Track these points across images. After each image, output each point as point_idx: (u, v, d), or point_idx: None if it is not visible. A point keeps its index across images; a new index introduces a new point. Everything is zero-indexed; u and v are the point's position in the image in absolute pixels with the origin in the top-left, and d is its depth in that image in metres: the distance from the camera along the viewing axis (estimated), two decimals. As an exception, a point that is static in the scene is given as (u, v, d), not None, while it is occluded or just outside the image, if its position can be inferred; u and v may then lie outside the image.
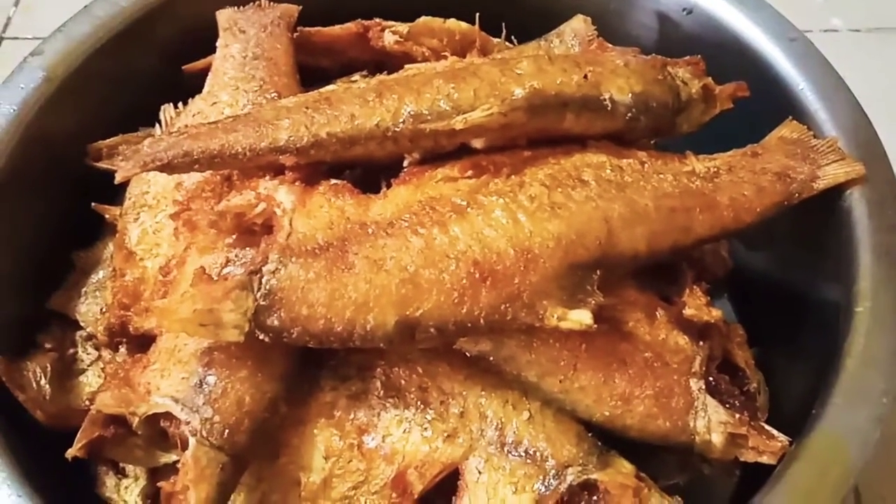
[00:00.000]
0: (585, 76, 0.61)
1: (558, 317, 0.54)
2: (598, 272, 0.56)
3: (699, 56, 0.67)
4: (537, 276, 0.54)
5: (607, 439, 0.58)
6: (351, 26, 0.79)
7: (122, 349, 0.65)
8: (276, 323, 0.53)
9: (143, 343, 0.62)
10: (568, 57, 0.64)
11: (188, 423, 0.54)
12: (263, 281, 0.53)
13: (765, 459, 0.56)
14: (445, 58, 0.76)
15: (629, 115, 0.62)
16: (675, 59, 0.67)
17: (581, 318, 0.54)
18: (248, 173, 0.61)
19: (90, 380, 0.67)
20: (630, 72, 0.63)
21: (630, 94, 0.62)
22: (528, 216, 0.56)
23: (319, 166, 0.60)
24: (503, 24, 0.81)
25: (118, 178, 0.59)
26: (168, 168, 0.59)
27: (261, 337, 0.53)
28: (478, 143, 0.60)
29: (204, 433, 0.54)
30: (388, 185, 0.60)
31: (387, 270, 0.53)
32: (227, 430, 0.54)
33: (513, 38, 0.81)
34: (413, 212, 0.56)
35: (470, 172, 0.59)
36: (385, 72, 0.78)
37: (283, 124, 0.59)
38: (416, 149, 0.60)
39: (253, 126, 0.59)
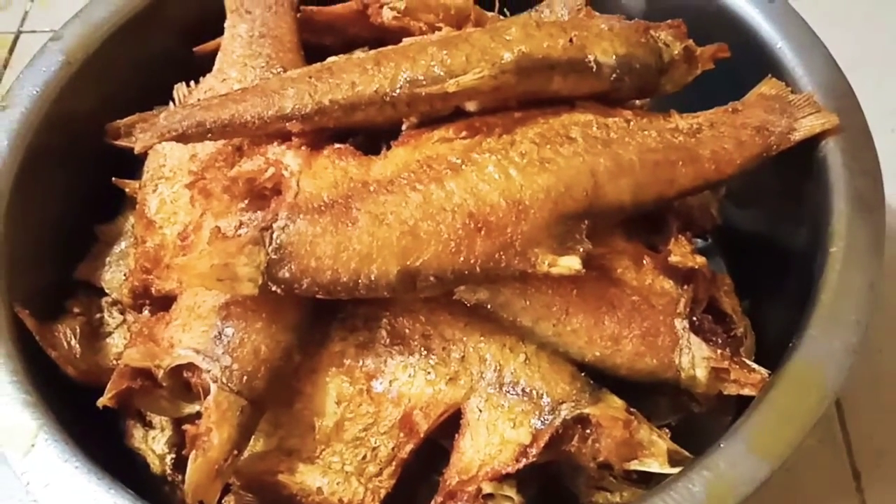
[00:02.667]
0: (571, 40, 0.65)
1: (549, 263, 0.58)
2: (587, 222, 0.60)
3: (680, 19, 0.70)
4: (528, 225, 0.58)
5: (599, 381, 0.62)
6: (351, 4, 0.82)
7: (146, 311, 0.69)
8: (286, 275, 0.57)
9: (165, 304, 0.66)
10: (555, 23, 0.68)
11: (209, 371, 0.58)
12: (274, 236, 0.57)
13: (746, 391, 0.60)
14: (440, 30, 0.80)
15: (614, 76, 0.66)
16: (658, 22, 0.70)
17: (570, 263, 0.58)
18: (258, 141, 0.65)
19: (116, 342, 0.72)
20: (614, 35, 0.67)
21: (614, 56, 0.66)
22: (518, 171, 0.60)
23: (324, 132, 0.64)
24: (497, -3, 0.85)
25: (137, 149, 0.64)
26: (183, 138, 0.63)
27: (273, 289, 0.57)
28: (471, 106, 0.64)
29: (224, 380, 0.58)
30: (388, 147, 0.63)
31: (388, 224, 0.57)
32: (245, 377, 0.58)
33: (506, 10, 0.85)
34: (411, 170, 0.60)
35: (464, 133, 0.63)
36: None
37: (288, 93, 0.63)
38: (413, 113, 0.64)
39: (260, 96, 0.63)
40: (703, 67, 0.71)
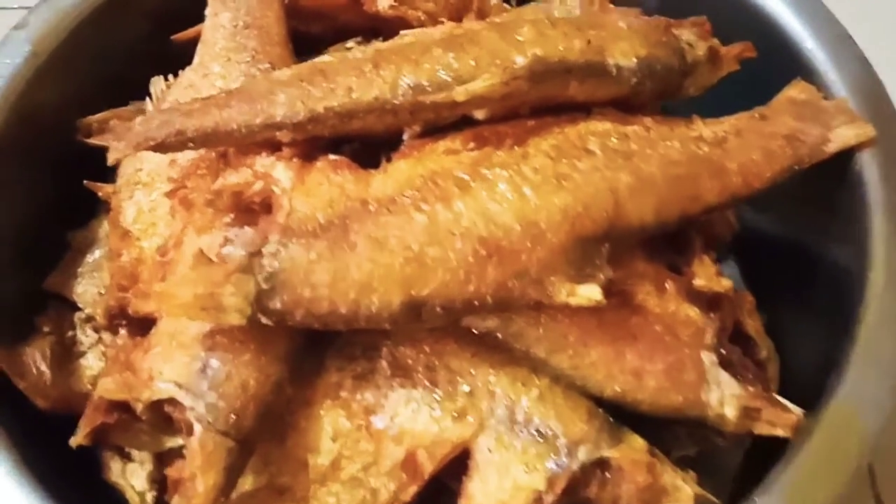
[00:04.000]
0: (589, 41, 0.59)
1: (567, 293, 0.53)
2: (607, 245, 0.55)
3: (704, 17, 0.65)
4: (544, 250, 0.53)
5: (618, 411, 0.58)
6: (344, -9, 0.76)
7: (122, 331, 0.64)
8: (278, 306, 0.52)
9: (143, 324, 0.61)
10: (570, 21, 0.62)
11: (193, 409, 0.53)
12: (264, 263, 0.52)
13: (779, 432, 0.55)
14: (442, 22, 0.74)
15: (634, 80, 0.60)
16: (680, 20, 0.65)
17: (590, 293, 0.53)
18: (244, 150, 0.59)
19: (91, 363, 0.66)
20: (634, 34, 0.61)
21: (635, 59, 0.60)
22: (533, 189, 0.54)
23: (317, 141, 0.58)
24: (501, -16, 0.79)
25: (110, 160, 0.58)
26: (161, 147, 0.57)
27: (263, 321, 0.52)
28: (479, 114, 0.58)
29: (209, 419, 0.53)
30: (388, 160, 0.58)
31: (390, 249, 0.52)
32: (232, 415, 0.53)
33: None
34: (415, 187, 0.55)
35: (472, 144, 0.57)
36: (380, 38, 0.76)
37: (278, 99, 0.57)
38: (416, 121, 0.58)
39: (247, 102, 0.57)
40: (727, 69, 0.65)
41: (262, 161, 0.57)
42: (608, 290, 0.54)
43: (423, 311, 0.52)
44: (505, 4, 0.78)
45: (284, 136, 0.57)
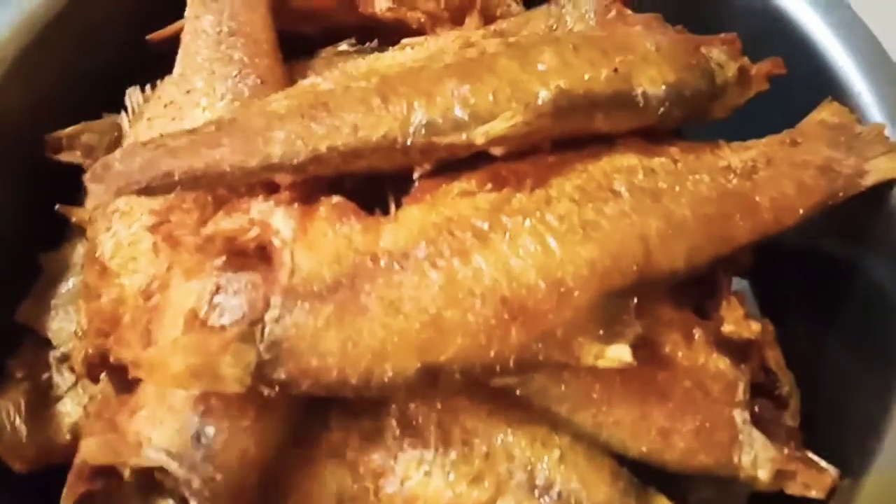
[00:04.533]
0: (615, 69, 0.54)
1: (595, 355, 0.49)
2: (635, 299, 0.51)
3: (735, 34, 0.60)
4: (571, 310, 0.49)
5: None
6: (337, -10, 0.70)
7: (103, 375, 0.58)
8: (282, 376, 0.47)
9: (127, 374, 0.56)
10: (593, 43, 0.56)
11: (187, 482, 0.49)
12: (266, 331, 0.47)
13: (813, 494, 0.52)
14: (442, 23, 0.69)
15: (662, 109, 0.56)
16: (709, 36, 0.60)
17: (620, 355, 0.49)
18: (237, 191, 0.54)
19: (69, 409, 0.61)
20: (662, 58, 0.56)
21: (663, 86, 0.55)
22: (558, 240, 0.50)
23: (318, 181, 0.53)
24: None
25: (89, 206, 0.52)
26: (147, 191, 0.51)
27: (265, 392, 0.47)
28: (497, 151, 0.53)
29: (206, 494, 0.48)
30: (397, 202, 0.53)
31: (405, 313, 0.47)
32: (231, 489, 0.49)
33: (518, -1, 0.73)
34: (429, 238, 0.50)
35: (489, 185, 0.52)
36: (375, 40, 0.70)
37: (276, 137, 0.51)
38: (427, 160, 0.53)
39: (241, 139, 0.52)
40: (756, 89, 0.61)
41: (259, 206, 0.52)
42: (635, 344, 0.50)
43: (441, 378, 0.48)
44: (512, 3, 0.72)
45: (283, 180, 0.52)
